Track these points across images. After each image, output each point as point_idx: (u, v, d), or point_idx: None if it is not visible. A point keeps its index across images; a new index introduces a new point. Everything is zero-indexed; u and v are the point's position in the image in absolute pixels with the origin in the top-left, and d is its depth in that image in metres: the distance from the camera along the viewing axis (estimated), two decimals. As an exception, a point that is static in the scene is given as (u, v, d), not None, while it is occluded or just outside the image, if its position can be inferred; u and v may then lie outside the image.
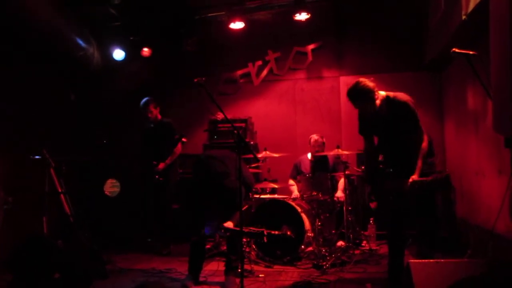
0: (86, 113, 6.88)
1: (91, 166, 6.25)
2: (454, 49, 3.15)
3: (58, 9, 5.60)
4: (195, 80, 3.70)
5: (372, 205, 3.84)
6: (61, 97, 6.54)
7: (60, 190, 4.50)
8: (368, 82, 3.52)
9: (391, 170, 3.49)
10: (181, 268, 4.58)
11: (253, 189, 5.01)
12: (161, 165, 5.54)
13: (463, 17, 4.05)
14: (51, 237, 4.29)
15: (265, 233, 3.70)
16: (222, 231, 3.87)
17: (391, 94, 3.59)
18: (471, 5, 3.84)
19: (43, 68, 5.94)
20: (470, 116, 4.93)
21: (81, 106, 6.86)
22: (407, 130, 3.49)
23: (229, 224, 3.84)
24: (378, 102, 3.54)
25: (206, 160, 4.18)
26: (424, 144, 3.49)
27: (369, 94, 3.49)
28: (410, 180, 3.35)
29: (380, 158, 3.65)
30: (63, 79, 6.52)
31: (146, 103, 5.69)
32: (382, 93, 3.59)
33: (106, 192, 5.91)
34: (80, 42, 6.10)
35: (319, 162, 5.62)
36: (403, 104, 3.50)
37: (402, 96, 3.56)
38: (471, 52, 3.08)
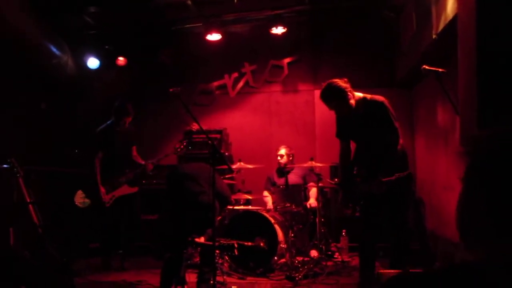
0: (58, 122, 6.74)
1: (62, 176, 6.10)
2: (424, 66, 3.26)
3: (30, 15, 5.50)
4: (171, 90, 3.70)
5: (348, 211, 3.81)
6: (31, 105, 6.39)
7: (28, 200, 4.38)
8: (340, 82, 3.46)
9: (363, 171, 3.50)
10: (152, 280, 4.51)
11: (233, 201, 4.93)
12: (150, 166, 5.30)
13: (434, 36, 4.20)
14: (18, 248, 4.16)
15: (235, 245, 3.69)
16: (194, 245, 3.85)
17: (368, 96, 3.55)
18: (441, 25, 3.99)
19: (13, 75, 5.80)
20: (439, 131, 5.07)
21: (52, 115, 6.72)
22: (382, 131, 3.43)
23: (200, 239, 3.82)
24: (353, 102, 3.48)
25: (180, 183, 4.15)
26: (398, 147, 3.43)
27: (342, 94, 3.42)
28: (377, 181, 3.31)
29: (355, 171, 3.63)
30: (34, 86, 6.38)
31: (126, 102, 5.31)
32: (359, 94, 3.54)
33: (76, 203, 5.78)
34: (54, 49, 6.00)
35: (286, 173, 5.68)
36: (379, 104, 3.46)
37: (379, 97, 3.53)
38: (440, 70, 3.20)
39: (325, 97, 3.51)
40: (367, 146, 3.56)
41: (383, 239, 3.96)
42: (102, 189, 5.19)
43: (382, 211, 3.54)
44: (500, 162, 0.86)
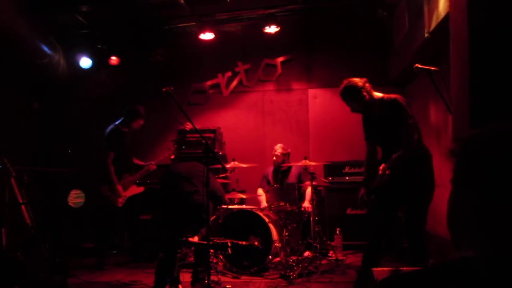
0: (50, 121, 6.70)
1: (55, 176, 6.06)
2: (417, 65, 3.27)
3: (21, 14, 5.45)
4: (164, 89, 3.69)
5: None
6: (24, 104, 6.34)
7: (21, 201, 4.35)
8: (358, 81, 3.49)
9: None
10: (146, 280, 4.49)
11: (227, 201, 4.91)
12: (153, 167, 5.45)
13: (426, 35, 4.22)
14: (11, 249, 4.13)
15: (230, 244, 3.68)
16: (188, 245, 3.84)
17: (385, 96, 3.55)
18: (433, 24, 4.01)
19: (4, 75, 5.75)
20: (432, 129, 5.09)
21: (45, 115, 6.67)
22: (397, 129, 3.41)
23: (194, 238, 3.82)
24: (368, 102, 3.50)
25: (173, 182, 4.16)
26: (412, 143, 3.38)
27: (356, 93, 3.47)
28: (380, 168, 3.34)
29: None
30: (26, 86, 6.34)
31: (139, 105, 5.51)
32: (379, 94, 3.56)
33: (70, 203, 5.75)
34: (45, 48, 5.96)
35: (282, 172, 5.69)
36: (392, 101, 3.45)
37: (392, 95, 3.53)
38: (432, 68, 3.21)
39: (340, 94, 3.59)
40: (386, 146, 3.57)
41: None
42: (121, 190, 5.25)
43: (392, 206, 3.53)
44: (489, 162, 0.86)
